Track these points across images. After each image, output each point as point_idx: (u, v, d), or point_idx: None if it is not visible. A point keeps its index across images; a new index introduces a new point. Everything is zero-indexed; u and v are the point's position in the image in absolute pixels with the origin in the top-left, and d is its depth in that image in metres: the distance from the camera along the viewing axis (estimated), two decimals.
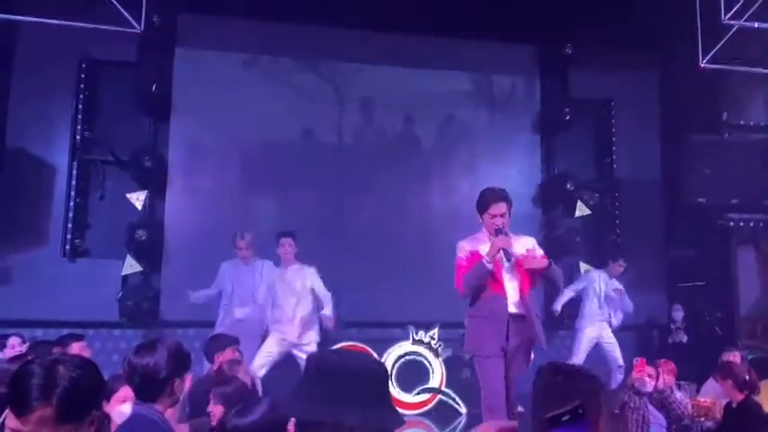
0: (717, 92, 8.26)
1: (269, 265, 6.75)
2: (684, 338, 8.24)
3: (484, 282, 4.41)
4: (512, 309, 4.37)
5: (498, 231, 4.36)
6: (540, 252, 4.53)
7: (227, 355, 4.84)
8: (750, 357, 7.53)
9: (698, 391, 6.33)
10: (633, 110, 9.16)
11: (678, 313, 8.46)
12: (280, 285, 6.42)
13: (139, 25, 5.43)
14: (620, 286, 7.60)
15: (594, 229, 9.02)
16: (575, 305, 7.80)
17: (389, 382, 1.87)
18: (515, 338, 4.38)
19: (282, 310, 6.38)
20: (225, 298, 6.80)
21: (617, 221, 9.10)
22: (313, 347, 6.35)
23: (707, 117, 8.31)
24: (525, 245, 4.51)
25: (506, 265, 4.38)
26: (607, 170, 9.25)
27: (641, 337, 8.80)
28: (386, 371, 1.82)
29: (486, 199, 4.47)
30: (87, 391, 1.72)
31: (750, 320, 8.27)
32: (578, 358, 7.29)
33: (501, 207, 4.43)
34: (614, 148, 9.21)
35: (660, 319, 8.83)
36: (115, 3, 5.27)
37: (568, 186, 8.63)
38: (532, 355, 4.66)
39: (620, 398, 5.07)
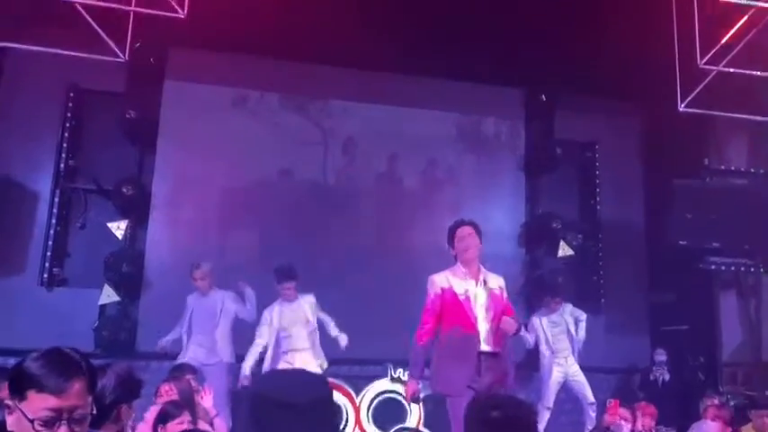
0: (698, 136, 8.37)
1: (231, 297, 6.68)
2: (667, 376, 8.17)
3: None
4: (484, 347, 4.31)
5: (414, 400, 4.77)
6: (506, 294, 4.56)
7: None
8: (732, 404, 7.49)
9: None
10: (617, 152, 9.26)
11: (661, 357, 8.40)
12: (286, 318, 6.38)
13: (124, 55, 5.45)
14: (568, 318, 7.51)
15: (577, 271, 9.01)
16: None
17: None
18: (488, 376, 4.29)
19: (291, 340, 6.34)
20: (186, 334, 6.64)
21: (600, 263, 9.11)
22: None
23: (689, 161, 8.40)
24: (498, 283, 4.54)
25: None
26: (591, 211, 9.30)
27: (623, 381, 8.73)
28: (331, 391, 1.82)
29: (453, 227, 4.56)
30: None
31: (732, 366, 8.23)
32: (547, 402, 7.23)
33: (466, 229, 4.49)
34: (598, 190, 9.27)
35: (643, 362, 8.75)
36: (100, 32, 5.30)
37: (553, 226, 8.67)
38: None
39: None
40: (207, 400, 4.63)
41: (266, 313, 6.46)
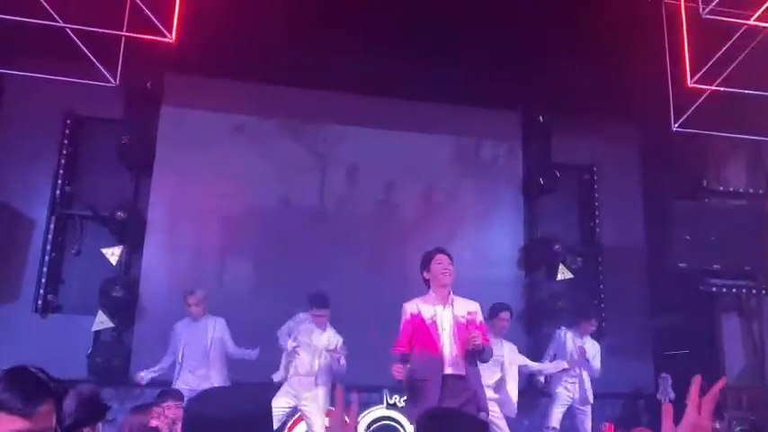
0: (696, 157, 8.34)
1: (222, 323, 6.65)
2: (672, 395, 8.03)
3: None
4: (448, 370, 4.44)
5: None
6: (480, 318, 4.68)
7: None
8: (738, 429, 7.33)
9: None
10: (615, 174, 9.22)
11: (666, 381, 8.25)
12: (307, 348, 6.36)
13: (115, 80, 5.49)
14: (588, 346, 7.29)
15: (577, 294, 8.91)
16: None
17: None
18: (455, 399, 4.37)
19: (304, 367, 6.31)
20: (177, 361, 6.58)
21: (600, 286, 9.01)
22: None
23: (688, 182, 8.36)
24: (467, 308, 4.64)
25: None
26: (590, 234, 9.24)
27: (626, 406, 8.58)
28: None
29: (428, 254, 4.79)
30: None
31: (736, 390, 8.07)
32: (552, 422, 7.08)
33: (446, 258, 4.72)
34: (597, 213, 9.22)
35: (646, 387, 8.61)
36: (90, 56, 5.34)
37: (552, 249, 8.61)
38: (488, 415, 4.63)
39: None
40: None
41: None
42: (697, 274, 8.03)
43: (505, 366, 6.38)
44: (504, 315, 6.48)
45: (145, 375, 6.57)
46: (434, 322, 4.52)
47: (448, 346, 4.47)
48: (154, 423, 3.74)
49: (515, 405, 6.40)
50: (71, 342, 7.24)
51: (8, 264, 7.50)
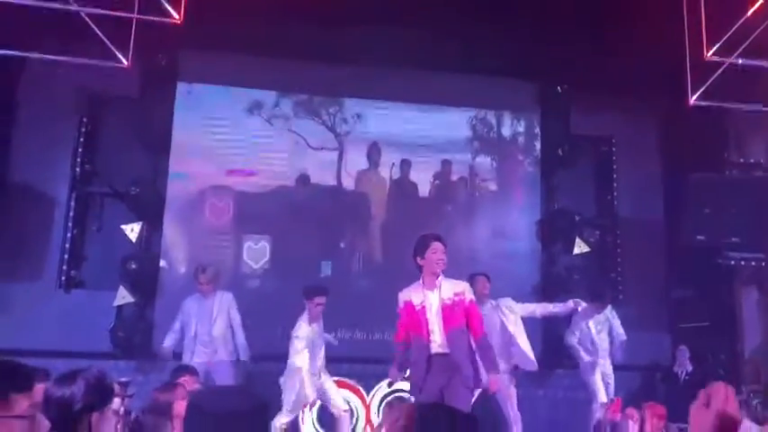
0: (717, 129, 8.19)
1: (228, 297, 6.79)
2: (689, 368, 8.04)
3: None
4: (437, 349, 4.69)
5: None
6: (469, 297, 4.83)
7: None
8: (755, 402, 7.31)
9: None
10: (634, 147, 9.10)
11: (684, 354, 8.25)
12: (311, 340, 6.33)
13: (127, 60, 5.55)
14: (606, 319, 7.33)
15: (595, 267, 8.89)
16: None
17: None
18: (441, 377, 4.63)
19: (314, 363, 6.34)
20: (187, 338, 6.73)
21: (618, 259, 8.97)
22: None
23: (708, 155, 8.23)
24: (454, 289, 4.80)
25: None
26: (608, 207, 9.16)
27: (644, 378, 8.59)
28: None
29: (424, 240, 4.85)
30: None
31: (754, 363, 8.03)
32: (602, 397, 7.02)
33: (440, 245, 4.81)
34: (615, 185, 9.12)
35: (663, 359, 8.62)
36: (104, 38, 5.40)
37: (569, 222, 8.59)
38: (476, 392, 4.96)
39: None
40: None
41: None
42: (716, 248, 7.96)
43: (509, 328, 6.38)
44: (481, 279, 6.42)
45: (167, 348, 6.80)
46: (423, 307, 4.73)
47: (436, 326, 4.69)
48: (178, 408, 3.81)
49: (534, 359, 6.44)
50: (94, 317, 7.44)
51: (32, 241, 7.69)
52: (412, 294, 4.85)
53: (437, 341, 4.69)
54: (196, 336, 6.70)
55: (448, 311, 4.69)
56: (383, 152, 8.68)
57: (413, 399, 4.90)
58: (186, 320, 6.76)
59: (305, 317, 6.25)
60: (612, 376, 7.32)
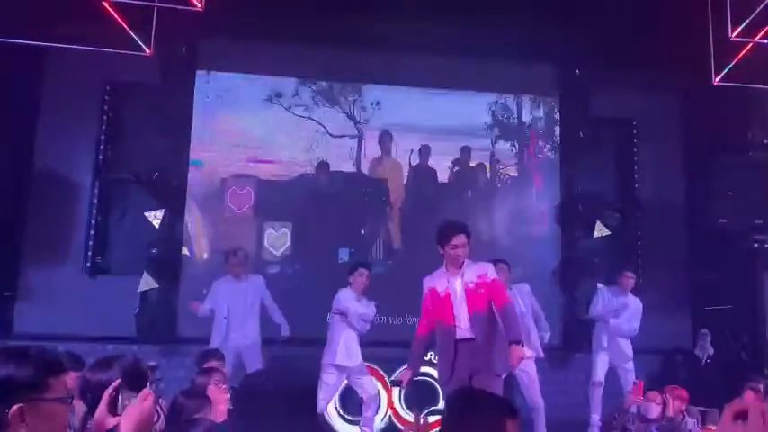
0: (741, 110, 8.07)
1: (260, 281, 6.88)
2: (711, 351, 8.00)
3: None
4: (463, 334, 4.62)
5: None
6: (491, 276, 4.75)
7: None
8: None
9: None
10: (655, 128, 9.00)
11: (705, 337, 8.22)
12: (354, 314, 6.37)
13: (149, 49, 5.60)
14: (630, 302, 7.24)
15: (615, 251, 8.84)
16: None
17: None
18: (469, 362, 4.57)
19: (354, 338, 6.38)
20: (218, 320, 6.75)
21: (639, 242, 8.92)
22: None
23: (731, 136, 8.12)
24: (477, 272, 4.73)
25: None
26: (629, 190, 9.09)
27: (665, 362, 8.56)
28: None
29: (447, 231, 4.74)
30: None
31: None
32: (597, 377, 7.10)
33: (461, 238, 4.70)
34: (636, 168, 9.05)
35: (685, 343, 8.58)
36: (126, 27, 5.45)
37: (589, 206, 8.55)
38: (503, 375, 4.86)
39: (619, 422, 4.97)
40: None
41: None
42: (739, 230, 7.88)
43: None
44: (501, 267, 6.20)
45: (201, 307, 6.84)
46: (448, 294, 4.68)
47: (462, 312, 4.63)
48: (212, 391, 3.89)
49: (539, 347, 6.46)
50: (119, 302, 7.53)
51: (57, 228, 7.82)
52: (436, 281, 4.82)
53: (462, 326, 4.63)
54: (228, 318, 6.73)
55: (471, 294, 4.63)
56: (403, 138, 8.70)
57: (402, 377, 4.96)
58: (217, 302, 6.79)
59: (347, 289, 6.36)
60: (627, 362, 7.21)
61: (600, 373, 7.17)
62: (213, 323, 6.78)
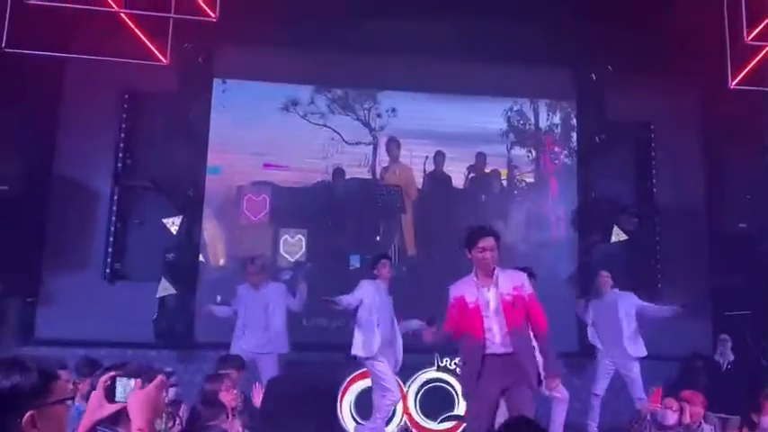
0: (758, 114, 7.99)
1: (282, 288, 6.88)
2: (731, 357, 7.91)
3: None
4: (495, 349, 4.40)
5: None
6: (528, 291, 4.54)
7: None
8: None
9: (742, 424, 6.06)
10: (673, 133, 8.93)
11: (726, 343, 8.11)
12: (382, 304, 6.38)
13: (165, 58, 5.68)
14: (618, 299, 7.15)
15: (634, 255, 8.77)
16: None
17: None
18: (500, 378, 4.37)
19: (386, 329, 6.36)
20: (238, 326, 6.81)
21: (657, 247, 8.84)
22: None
23: (749, 140, 8.04)
24: (513, 283, 4.52)
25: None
26: (647, 194, 9.01)
27: (685, 368, 8.47)
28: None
29: (474, 234, 4.56)
30: None
31: None
32: (597, 389, 7.09)
33: (488, 241, 4.51)
34: (654, 172, 8.98)
35: (704, 348, 8.48)
36: (143, 38, 5.54)
37: (607, 210, 8.51)
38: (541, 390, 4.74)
39: (636, 429, 4.94)
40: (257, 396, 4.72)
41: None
42: (758, 234, 7.79)
43: None
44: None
45: (215, 309, 6.93)
46: (477, 306, 4.44)
47: (496, 326, 4.40)
48: (224, 396, 3.93)
49: None
50: (138, 307, 7.63)
51: (78, 234, 7.94)
52: (464, 289, 4.57)
53: (496, 340, 4.39)
54: (245, 324, 6.76)
55: (509, 308, 4.39)
56: (418, 145, 8.73)
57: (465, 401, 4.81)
58: (239, 308, 6.84)
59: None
60: (635, 375, 7.06)
61: (599, 385, 7.13)
62: (236, 327, 6.83)
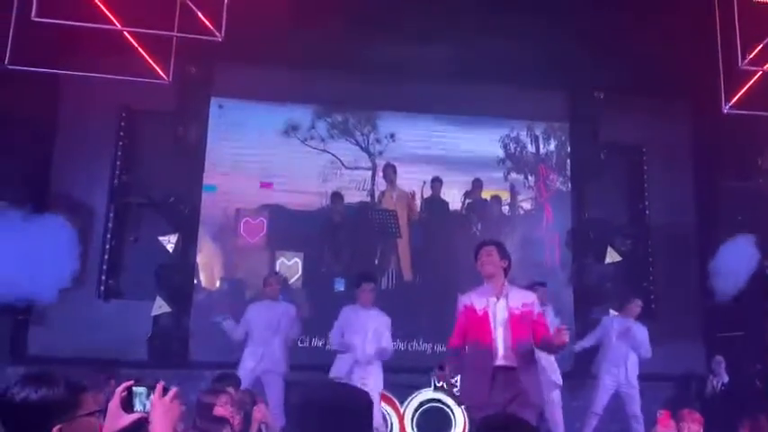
0: (751, 137, 8.12)
1: (293, 310, 6.81)
2: (726, 378, 7.94)
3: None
4: (500, 361, 4.36)
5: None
6: (537, 310, 4.54)
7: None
8: None
9: None
10: (665, 155, 9.08)
11: (720, 365, 8.15)
12: (356, 325, 6.36)
13: (168, 77, 5.70)
14: (635, 329, 7.20)
15: (627, 276, 8.84)
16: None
17: (371, 413, 1.96)
18: (504, 392, 4.31)
19: (356, 352, 6.33)
20: (250, 343, 6.61)
21: (650, 268, 8.92)
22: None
23: (740, 163, 8.17)
24: (523, 299, 4.52)
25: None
26: (640, 216, 9.12)
27: (678, 389, 8.51)
28: (370, 402, 1.93)
29: (478, 247, 4.67)
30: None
31: None
32: (596, 408, 7.10)
33: (489, 249, 4.58)
34: (647, 194, 9.09)
35: (698, 369, 8.53)
36: (147, 57, 5.56)
37: (600, 232, 8.58)
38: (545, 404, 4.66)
39: None
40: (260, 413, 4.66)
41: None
42: None
43: None
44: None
45: (224, 321, 6.73)
46: (486, 314, 4.44)
47: (501, 337, 4.38)
48: (219, 411, 3.88)
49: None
50: (133, 325, 7.59)
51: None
52: (474, 298, 4.57)
53: (504, 353, 4.36)
54: (257, 344, 6.59)
55: (516, 322, 4.39)
56: (416, 170, 8.80)
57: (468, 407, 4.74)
58: (251, 326, 6.64)
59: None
60: (633, 394, 7.14)
61: (599, 404, 7.14)
62: (245, 347, 6.64)
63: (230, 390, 4.92)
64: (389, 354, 6.48)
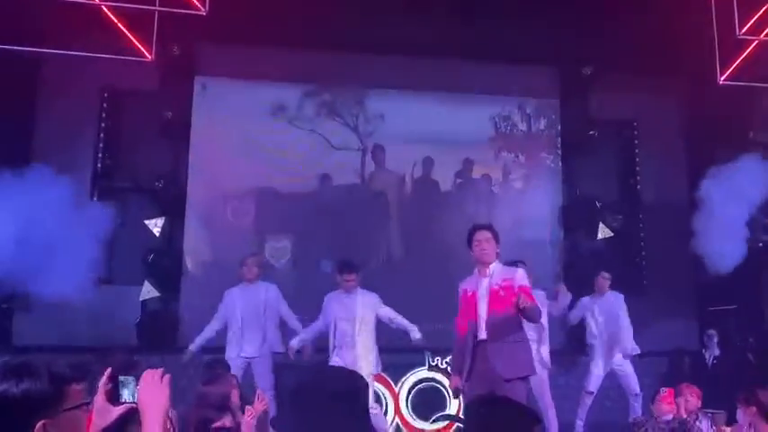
0: (743, 109, 8.07)
1: (274, 289, 6.56)
2: (717, 352, 7.95)
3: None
4: (482, 335, 4.62)
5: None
6: (519, 282, 4.67)
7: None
8: None
9: (728, 419, 6.06)
10: (657, 130, 9.00)
11: (712, 339, 8.16)
12: (340, 311, 6.18)
13: (150, 54, 5.52)
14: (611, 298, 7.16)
15: (619, 252, 8.79)
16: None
17: (366, 396, 1.92)
18: (483, 363, 4.54)
19: (344, 337, 6.16)
20: (233, 329, 6.37)
21: (642, 243, 8.89)
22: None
23: (732, 135, 8.11)
24: (504, 275, 4.70)
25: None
26: (631, 191, 9.07)
27: (671, 363, 8.51)
28: (364, 384, 1.93)
29: (471, 231, 4.86)
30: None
31: None
32: (591, 384, 7.08)
33: (483, 233, 4.78)
34: (638, 169, 9.03)
35: (691, 344, 8.54)
36: (127, 32, 5.38)
37: (592, 208, 8.53)
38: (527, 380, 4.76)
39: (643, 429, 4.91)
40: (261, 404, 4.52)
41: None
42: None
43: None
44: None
45: (194, 347, 6.41)
46: (475, 294, 4.71)
47: (482, 313, 4.63)
48: (227, 423, 3.71)
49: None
50: (121, 311, 7.45)
51: None
52: (468, 282, 4.86)
53: (484, 326, 4.62)
54: (242, 325, 6.35)
55: (494, 295, 4.62)
56: (406, 150, 8.64)
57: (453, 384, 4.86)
58: (230, 310, 6.40)
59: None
60: (628, 367, 7.11)
61: (592, 383, 7.12)
62: (227, 334, 6.41)
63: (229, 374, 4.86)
64: (402, 320, 6.37)
